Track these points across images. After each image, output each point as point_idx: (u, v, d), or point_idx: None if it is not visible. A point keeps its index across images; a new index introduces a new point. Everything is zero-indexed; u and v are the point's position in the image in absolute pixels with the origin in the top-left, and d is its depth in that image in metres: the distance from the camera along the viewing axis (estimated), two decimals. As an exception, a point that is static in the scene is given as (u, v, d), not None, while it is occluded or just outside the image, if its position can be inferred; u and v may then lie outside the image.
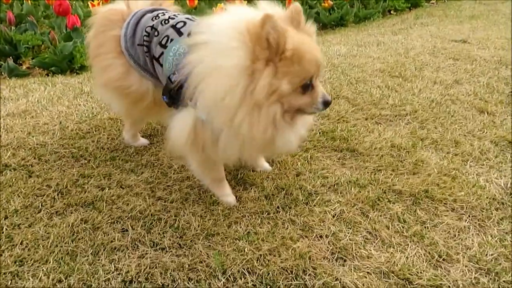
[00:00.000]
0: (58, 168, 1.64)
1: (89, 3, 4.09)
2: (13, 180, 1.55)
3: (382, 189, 1.58)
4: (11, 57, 3.07)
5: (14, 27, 3.62)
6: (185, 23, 1.39)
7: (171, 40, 1.36)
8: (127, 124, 1.81)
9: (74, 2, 4.50)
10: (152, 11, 1.49)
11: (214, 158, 1.37)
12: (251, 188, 1.59)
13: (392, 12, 5.30)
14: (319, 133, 1.97)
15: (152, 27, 1.42)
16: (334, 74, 2.64)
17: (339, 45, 3.33)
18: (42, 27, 4.14)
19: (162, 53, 1.37)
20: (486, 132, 2.00)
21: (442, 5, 5.54)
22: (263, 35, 1.09)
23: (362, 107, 2.23)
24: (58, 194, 1.49)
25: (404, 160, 1.77)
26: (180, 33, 1.37)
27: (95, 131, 1.93)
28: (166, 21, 1.42)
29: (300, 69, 1.16)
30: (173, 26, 1.39)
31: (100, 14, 1.54)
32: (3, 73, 2.98)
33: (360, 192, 1.56)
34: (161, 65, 1.38)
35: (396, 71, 2.68)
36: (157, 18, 1.44)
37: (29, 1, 4.55)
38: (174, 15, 1.46)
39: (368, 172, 1.69)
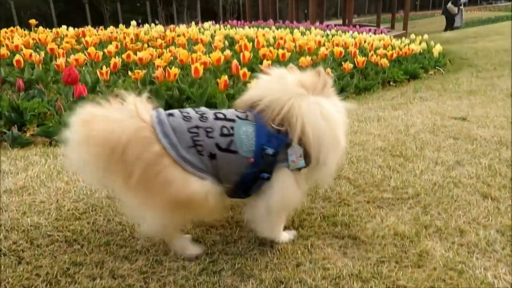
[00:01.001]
0: (50, 254, 1.59)
1: (97, 71, 4.24)
2: (2, 267, 1.49)
3: (386, 285, 1.51)
4: (15, 126, 3.12)
5: (22, 92, 3.72)
6: (217, 112, 1.52)
7: (232, 127, 1.45)
8: (172, 238, 1.63)
9: (83, 68, 4.67)
10: (168, 114, 1.46)
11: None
12: (249, 280, 1.52)
13: (391, 83, 5.44)
14: (320, 217, 1.92)
15: (196, 126, 1.43)
16: (335, 151, 2.64)
17: (340, 119, 3.37)
18: (50, 93, 4.25)
19: (232, 141, 1.43)
20: (491, 220, 1.95)
21: (440, 78, 5.71)
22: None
23: (363, 189, 2.21)
24: (46, 285, 1.43)
25: (408, 250, 1.71)
26: (232, 120, 1.48)
27: (92, 211, 1.89)
28: (204, 116, 1.48)
29: None
30: (218, 118, 1.49)
31: (128, 138, 1.33)
32: (6, 141, 3.01)
33: (363, 287, 1.48)
34: (234, 152, 1.43)
35: (397, 150, 2.68)
36: (188, 118, 1.46)
37: (40, 66, 4.72)
38: (196, 111, 1.52)
39: (371, 264, 1.62)
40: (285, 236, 1.74)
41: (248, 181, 1.48)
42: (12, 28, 7.80)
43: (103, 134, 1.32)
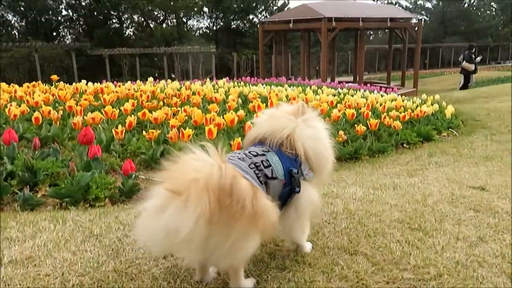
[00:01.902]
0: (50, 338, 1.49)
1: (113, 130, 4.30)
2: None
3: None
4: (28, 186, 3.11)
5: (37, 151, 3.75)
6: (250, 151, 1.85)
7: (267, 160, 1.81)
8: (240, 272, 1.75)
9: (99, 125, 4.74)
10: (230, 159, 1.73)
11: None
12: None
13: (405, 145, 5.41)
14: (337, 301, 1.81)
15: (250, 163, 1.75)
16: (351, 223, 2.56)
17: (354, 186, 3.31)
18: (65, 150, 4.30)
19: (272, 170, 1.79)
20: (522, 308, 1.81)
21: (454, 141, 5.66)
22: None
23: (382, 267, 2.09)
24: None
25: None
26: (263, 154, 1.83)
27: (97, 287, 1.81)
28: (248, 156, 1.80)
29: None
30: (256, 155, 1.82)
31: (231, 178, 1.46)
32: (17, 201, 3.00)
33: None
34: (275, 178, 1.78)
35: (415, 222, 2.58)
36: (242, 158, 1.77)
37: (57, 123, 4.82)
38: (238, 153, 1.85)
39: None
40: (309, 245, 2.17)
41: (286, 197, 1.85)
42: (34, 83, 8.12)
43: (213, 180, 1.42)
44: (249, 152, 1.86)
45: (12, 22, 27.40)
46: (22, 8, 25.88)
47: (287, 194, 1.85)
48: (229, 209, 1.44)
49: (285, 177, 1.82)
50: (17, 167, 3.33)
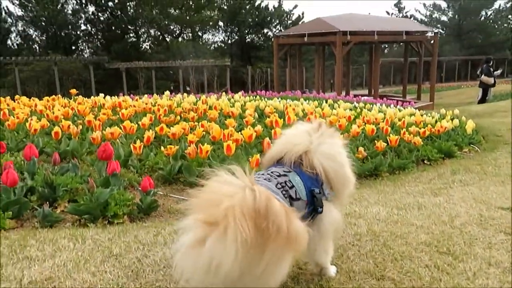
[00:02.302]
0: None
1: (131, 145, 4.30)
2: None
3: None
4: (47, 202, 3.11)
5: (57, 166, 3.76)
6: (273, 172, 1.83)
7: (289, 180, 1.78)
8: None
9: (117, 140, 4.76)
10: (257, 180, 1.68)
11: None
12: None
13: (425, 162, 5.28)
14: (366, 331, 1.72)
15: (276, 184, 1.74)
16: (375, 245, 2.47)
17: (377, 205, 3.21)
18: (84, 165, 4.31)
19: (296, 191, 1.77)
20: None
21: (477, 157, 5.51)
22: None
23: (411, 294, 2.00)
24: None
25: None
26: (285, 175, 1.81)
27: (117, 311, 1.76)
28: (272, 176, 1.78)
29: None
30: (279, 175, 1.80)
31: (265, 201, 1.42)
32: (37, 217, 2.99)
33: None
34: (299, 199, 1.76)
35: (443, 245, 2.48)
36: (268, 179, 1.76)
37: (76, 138, 4.85)
38: (262, 173, 1.84)
39: None
40: (334, 269, 2.10)
41: (307, 217, 1.77)
42: (53, 96, 8.25)
43: (248, 205, 1.39)
44: (272, 172, 1.84)
45: (34, 36, 28.15)
46: (43, 23, 26.56)
47: (310, 214, 1.82)
48: (265, 231, 1.40)
49: (307, 197, 1.81)
50: (37, 182, 3.34)
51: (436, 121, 6.88)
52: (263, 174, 1.83)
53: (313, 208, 1.82)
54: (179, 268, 1.47)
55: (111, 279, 2.01)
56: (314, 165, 1.86)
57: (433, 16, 42.32)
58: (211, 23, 31.39)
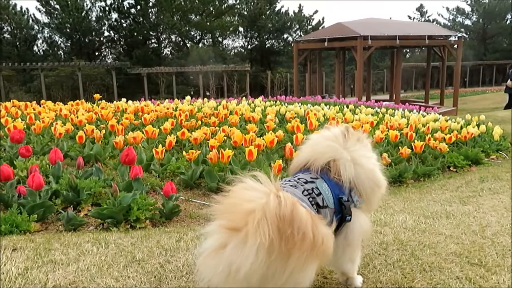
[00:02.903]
0: None
1: (153, 150, 4.32)
2: None
3: None
4: (71, 206, 3.14)
5: (80, 170, 3.81)
6: (299, 178, 1.79)
7: (316, 187, 1.74)
8: None
9: (140, 145, 4.79)
10: (283, 186, 1.66)
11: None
12: None
13: (452, 168, 5.13)
14: None
15: (302, 191, 1.71)
16: (403, 255, 2.39)
17: (403, 213, 3.12)
18: (106, 169, 4.35)
19: (323, 198, 1.73)
20: None
21: (505, 164, 5.33)
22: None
23: (442, 307, 1.92)
24: None
25: None
26: (312, 182, 1.77)
27: (141, 318, 1.74)
28: (298, 183, 1.75)
29: None
30: (305, 182, 1.76)
31: (290, 207, 1.40)
32: (61, 220, 3.02)
33: None
34: (326, 207, 1.71)
35: (475, 256, 2.38)
36: (294, 185, 1.73)
37: (99, 142, 4.91)
38: (289, 179, 1.82)
39: None
40: (360, 279, 2.02)
41: (336, 225, 1.76)
42: (77, 101, 8.41)
43: (270, 210, 1.35)
44: (298, 179, 1.80)
45: (59, 43, 28.91)
46: (68, 30, 27.25)
47: (337, 223, 1.78)
48: (290, 238, 1.37)
49: (335, 205, 1.76)
50: (61, 186, 3.38)
51: (461, 127, 6.70)
52: (289, 181, 1.80)
53: (341, 216, 1.78)
54: (200, 272, 1.48)
55: (134, 285, 2.00)
56: (341, 173, 1.80)
57: (457, 20, 41.51)
58: (231, 28, 31.58)
